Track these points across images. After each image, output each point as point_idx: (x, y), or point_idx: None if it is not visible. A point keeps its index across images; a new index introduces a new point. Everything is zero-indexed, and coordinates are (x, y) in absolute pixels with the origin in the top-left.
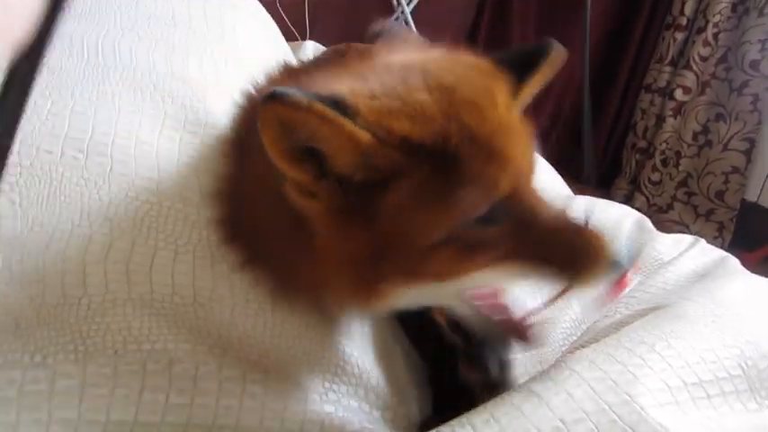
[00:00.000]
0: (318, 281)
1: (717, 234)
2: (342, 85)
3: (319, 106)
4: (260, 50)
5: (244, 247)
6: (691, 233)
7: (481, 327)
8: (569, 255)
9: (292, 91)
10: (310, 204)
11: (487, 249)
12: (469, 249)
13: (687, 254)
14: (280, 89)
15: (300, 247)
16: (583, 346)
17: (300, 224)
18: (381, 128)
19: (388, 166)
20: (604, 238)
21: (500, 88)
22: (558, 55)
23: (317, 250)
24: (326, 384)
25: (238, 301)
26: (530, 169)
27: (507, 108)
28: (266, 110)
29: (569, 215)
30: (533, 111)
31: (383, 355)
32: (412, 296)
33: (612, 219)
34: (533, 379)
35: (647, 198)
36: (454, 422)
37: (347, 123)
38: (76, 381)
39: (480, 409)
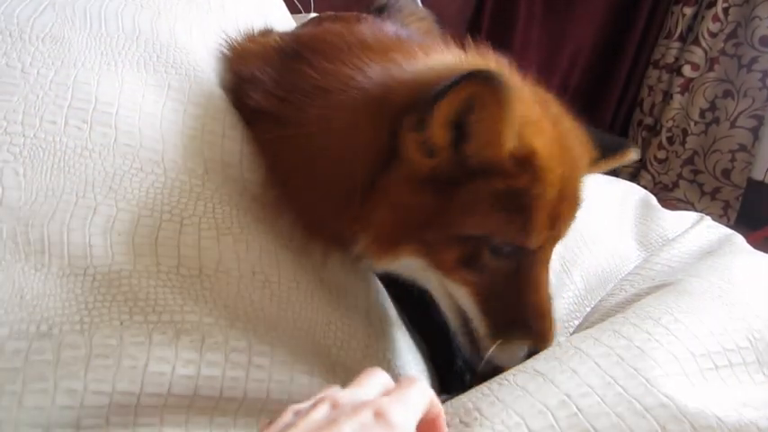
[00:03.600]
0: (350, 233)
1: (722, 213)
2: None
3: (517, 105)
4: (260, 23)
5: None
6: (696, 211)
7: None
8: (517, 329)
9: (504, 79)
10: (421, 161)
11: (477, 269)
12: (468, 258)
13: (692, 231)
14: (489, 71)
15: (343, 202)
16: (589, 327)
17: (354, 180)
18: (523, 139)
19: (497, 165)
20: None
21: (585, 162)
22: (629, 156)
23: (376, 203)
24: (333, 357)
25: (245, 273)
26: (561, 238)
27: (581, 180)
28: (466, 86)
29: (550, 301)
30: (541, 84)
31: (387, 330)
32: (407, 265)
33: (618, 196)
34: (537, 359)
35: (653, 176)
36: (459, 407)
37: (513, 127)
38: (82, 351)
39: (485, 391)
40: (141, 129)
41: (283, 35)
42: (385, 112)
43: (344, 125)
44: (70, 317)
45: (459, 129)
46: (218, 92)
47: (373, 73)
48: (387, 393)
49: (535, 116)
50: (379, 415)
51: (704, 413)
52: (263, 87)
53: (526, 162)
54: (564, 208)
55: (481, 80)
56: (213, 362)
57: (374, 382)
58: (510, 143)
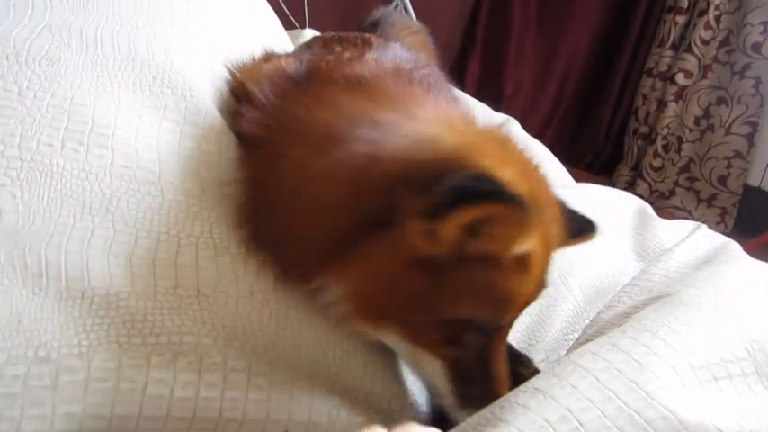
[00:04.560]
0: (321, 283)
1: (719, 220)
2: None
3: (537, 228)
4: (257, 43)
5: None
6: (693, 219)
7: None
8: (482, 396)
9: (518, 200)
10: (423, 245)
11: (452, 345)
12: (448, 337)
13: (689, 240)
14: (521, 198)
15: (318, 252)
16: (587, 341)
17: (333, 236)
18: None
19: (499, 261)
20: None
21: (557, 240)
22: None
23: (357, 268)
24: (333, 375)
25: (243, 292)
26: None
27: (551, 259)
28: (496, 206)
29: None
30: (534, 96)
31: (386, 347)
32: (380, 334)
33: (614, 206)
34: (537, 378)
35: (650, 184)
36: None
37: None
38: (81, 375)
39: (487, 416)
40: (138, 150)
41: (292, 60)
42: (375, 180)
43: (331, 179)
44: (68, 340)
45: (471, 229)
46: (214, 112)
47: (368, 131)
48: None
49: (537, 221)
50: None
51: (705, 425)
52: (260, 113)
53: (523, 261)
54: (537, 291)
55: (512, 205)
56: (212, 383)
57: None
58: (518, 251)
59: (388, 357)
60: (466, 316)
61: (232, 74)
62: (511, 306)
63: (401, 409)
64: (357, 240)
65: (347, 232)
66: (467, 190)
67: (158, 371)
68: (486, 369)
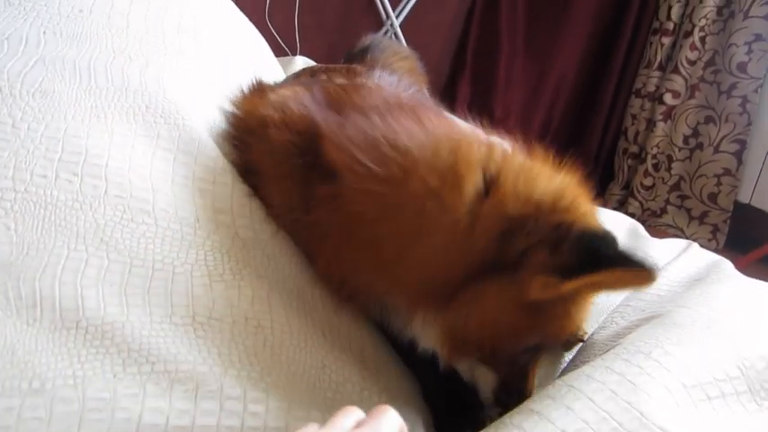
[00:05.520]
0: (417, 316)
1: (711, 237)
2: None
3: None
4: (249, 73)
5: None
6: (685, 236)
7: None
8: (514, 400)
9: (645, 264)
10: (541, 294)
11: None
12: (512, 357)
13: (680, 259)
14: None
15: (434, 298)
16: (582, 363)
17: (446, 276)
18: None
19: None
20: None
21: None
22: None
23: (465, 307)
24: (329, 399)
25: (238, 319)
26: None
27: None
28: (643, 274)
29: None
30: (524, 119)
31: (382, 371)
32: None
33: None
34: (532, 399)
35: (641, 203)
36: None
37: None
38: (75, 406)
39: None
40: (131, 179)
41: (301, 88)
42: (492, 227)
43: (449, 224)
44: (63, 371)
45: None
46: (207, 140)
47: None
48: (359, 425)
49: None
50: None
51: None
52: (329, 141)
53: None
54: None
55: (649, 275)
56: (208, 411)
57: (347, 419)
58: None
59: (383, 383)
60: (542, 343)
61: (235, 104)
62: (576, 328)
63: None
64: (467, 284)
65: (459, 275)
66: (597, 254)
67: (154, 399)
68: (524, 380)
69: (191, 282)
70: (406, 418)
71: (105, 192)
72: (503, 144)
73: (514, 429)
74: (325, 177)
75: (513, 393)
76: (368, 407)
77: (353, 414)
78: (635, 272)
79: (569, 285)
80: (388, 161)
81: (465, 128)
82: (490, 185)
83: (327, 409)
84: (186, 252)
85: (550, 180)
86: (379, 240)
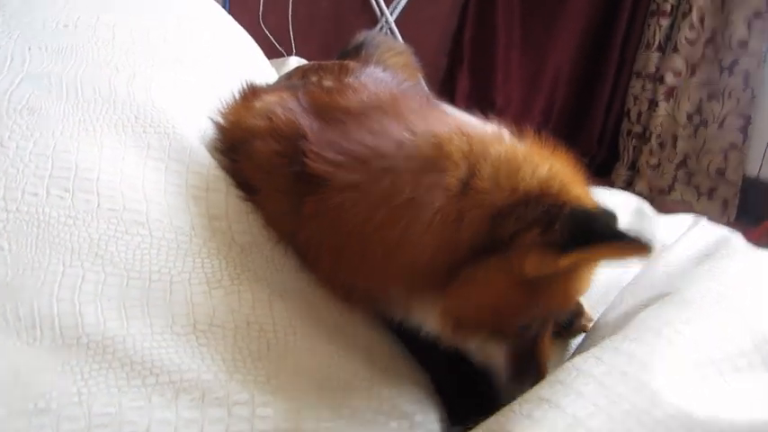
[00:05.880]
0: (417, 304)
1: (721, 211)
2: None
3: None
4: (240, 77)
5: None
6: (695, 212)
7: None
8: (529, 378)
9: (639, 239)
10: (536, 271)
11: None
12: (518, 330)
13: (688, 235)
14: (630, 236)
15: (429, 285)
16: (592, 345)
17: (442, 263)
18: None
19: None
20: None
21: None
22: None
23: (464, 289)
24: (339, 398)
25: (240, 324)
26: None
27: None
28: (640, 247)
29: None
30: (525, 107)
31: (390, 366)
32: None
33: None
34: (541, 386)
35: (648, 181)
36: None
37: None
38: (81, 423)
39: (493, 427)
40: (123, 191)
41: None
42: (482, 213)
43: (436, 213)
44: (66, 389)
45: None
46: (198, 147)
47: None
48: None
49: None
50: None
51: (716, 418)
52: (315, 146)
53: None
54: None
55: (635, 243)
56: (216, 418)
57: None
58: None
59: (391, 377)
60: (546, 314)
61: (222, 114)
62: (576, 300)
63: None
64: (460, 268)
65: (451, 262)
66: (591, 229)
67: (161, 411)
68: (535, 355)
69: (189, 290)
70: (416, 411)
71: (98, 206)
72: (493, 133)
73: (525, 419)
74: (311, 187)
75: (526, 370)
76: (377, 403)
77: None
78: (629, 244)
79: (564, 260)
80: (370, 166)
81: (457, 119)
82: (472, 177)
83: (337, 407)
84: (183, 261)
85: (539, 167)
86: (371, 243)
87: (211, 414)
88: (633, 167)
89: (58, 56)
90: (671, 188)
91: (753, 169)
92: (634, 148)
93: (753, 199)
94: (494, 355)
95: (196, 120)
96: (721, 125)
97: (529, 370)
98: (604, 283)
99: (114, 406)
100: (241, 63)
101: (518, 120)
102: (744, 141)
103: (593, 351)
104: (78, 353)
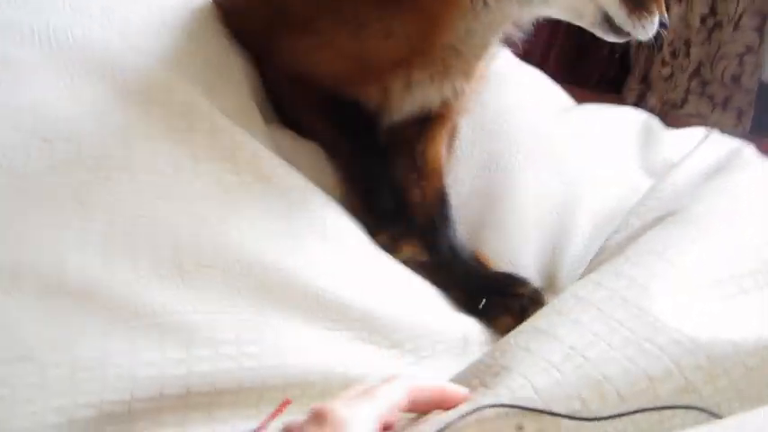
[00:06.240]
0: None
1: (736, 122)
2: None
3: None
4: None
5: None
6: (709, 124)
7: None
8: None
9: None
10: None
11: None
12: None
13: (699, 150)
14: None
15: None
16: (595, 269)
17: None
18: None
19: None
20: None
21: None
22: None
23: None
24: (327, 333)
25: (230, 263)
26: None
27: None
28: None
29: None
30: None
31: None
32: None
33: (618, 125)
34: (538, 317)
35: (661, 95)
36: (460, 381)
37: None
38: (66, 369)
39: (488, 362)
40: (104, 138)
41: None
42: None
43: None
44: (50, 336)
45: None
46: (182, 86)
47: None
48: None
49: None
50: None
51: (719, 340)
52: None
53: None
54: None
55: None
56: (203, 357)
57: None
58: None
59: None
60: None
61: None
62: None
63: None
64: None
65: None
66: None
67: (146, 353)
68: None
69: (176, 231)
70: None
71: (79, 154)
72: None
73: (521, 352)
74: None
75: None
76: (370, 330)
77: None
78: None
79: None
80: None
81: None
82: None
83: (326, 341)
84: (168, 203)
85: None
86: None
87: (198, 354)
88: (645, 80)
89: (26, 1)
90: (684, 101)
91: None
92: (646, 59)
93: None
94: None
95: (177, 57)
96: (736, 26)
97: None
98: (609, 208)
99: (99, 350)
100: None
101: (527, 38)
102: (760, 44)
103: (592, 276)
104: (61, 301)
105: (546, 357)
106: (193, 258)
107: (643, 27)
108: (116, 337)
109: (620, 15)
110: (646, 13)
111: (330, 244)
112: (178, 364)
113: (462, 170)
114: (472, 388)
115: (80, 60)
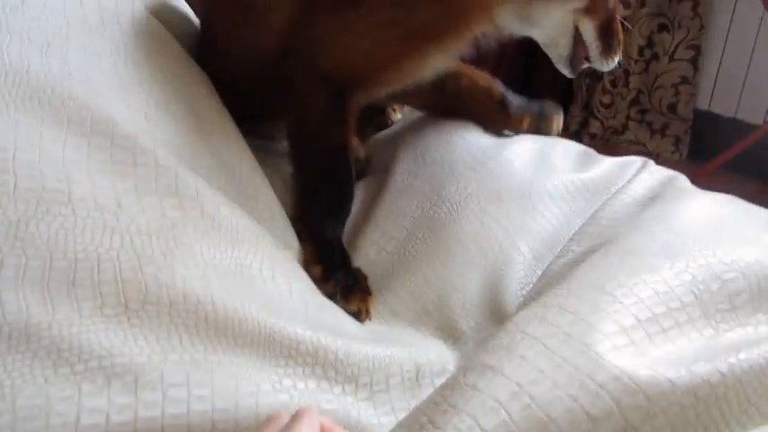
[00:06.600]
0: None
1: (674, 149)
2: None
3: None
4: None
5: None
6: (648, 151)
7: None
8: (612, 42)
9: None
10: None
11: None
12: None
13: (637, 179)
14: None
15: None
16: (538, 295)
17: None
18: None
19: None
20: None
21: None
22: None
23: None
24: (279, 371)
25: (175, 299)
26: None
27: None
28: None
29: None
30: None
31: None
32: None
33: (555, 155)
34: (486, 351)
35: (602, 122)
36: (413, 423)
37: None
38: (7, 418)
39: (437, 400)
40: (42, 170)
41: None
42: None
43: None
44: None
45: None
46: (123, 117)
47: None
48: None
49: None
50: None
51: (656, 379)
52: None
53: None
54: None
55: None
56: (150, 402)
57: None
58: None
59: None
60: None
61: None
62: None
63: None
64: None
65: None
66: None
67: (91, 399)
68: (611, 19)
69: (118, 268)
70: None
71: (15, 186)
72: None
73: (468, 390)
74: None
75: (609, 35)
76: (321, 370)
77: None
78: None
79: None
80: None
81: None
82: None
83: (279, 379)
84: (110, 238)
85: None
86: None
87: (145, 398)
88: (587, 108)
89: None
90: (624, 127)
91: (703, 102)
92: (587, 87)
93: (704, 133)
94: (585, 28)
95: (118, 88)
96: (672, 58)
97: (611, 36)
98: (551, 234)
99: (41, 397)
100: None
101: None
102: (694, 74)
103: (537, 311)
104: (0, 343)
105: (493, 395)
106: (138, 295)
107: (608, 64)
108: (59, 382)
109: (595, 54)
110: (613, 55)
111: (279, 280)
112: (124, 409)
113: (403, 201)
114: (421, 426)
115: (16, 86)
